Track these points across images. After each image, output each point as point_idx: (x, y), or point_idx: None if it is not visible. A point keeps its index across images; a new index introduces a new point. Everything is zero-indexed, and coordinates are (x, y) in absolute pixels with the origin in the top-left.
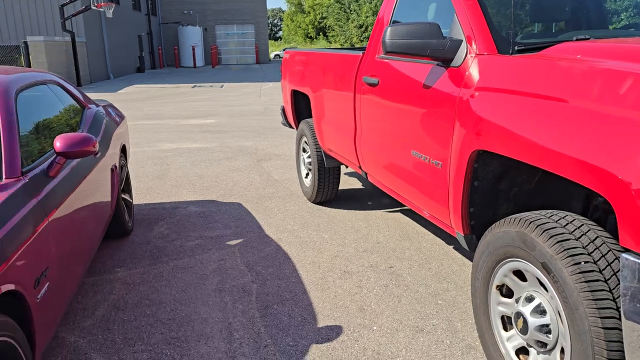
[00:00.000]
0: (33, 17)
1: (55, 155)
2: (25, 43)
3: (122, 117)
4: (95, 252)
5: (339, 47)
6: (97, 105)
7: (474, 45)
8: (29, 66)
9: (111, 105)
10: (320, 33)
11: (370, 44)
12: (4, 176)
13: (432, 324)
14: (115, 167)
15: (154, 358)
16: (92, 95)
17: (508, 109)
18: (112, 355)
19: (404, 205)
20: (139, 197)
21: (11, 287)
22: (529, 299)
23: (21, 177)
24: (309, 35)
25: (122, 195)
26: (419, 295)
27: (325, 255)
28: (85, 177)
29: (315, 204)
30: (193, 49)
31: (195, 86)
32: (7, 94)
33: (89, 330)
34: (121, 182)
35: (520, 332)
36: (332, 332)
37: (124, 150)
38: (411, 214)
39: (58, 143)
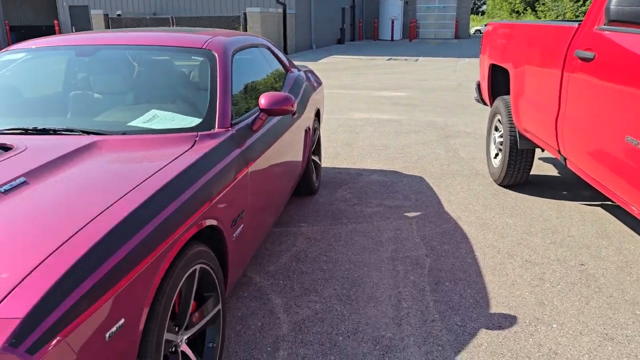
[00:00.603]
0: None
1: (259, 111)
2: (245, 14)
3: (319, 83)
4: (284, 205)
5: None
6: (299, 70)
7: None
8: None
9: (311, 71)
10: (529, 7)
11: (589, 15)
12: (216, 126)
13: (625, 334)
14: (309, 129)
15: (326, 310)
16: (296, 63)
17: None
18: (290, 300)
19: (607, 199)
20: (326, 161)
21: (213, 222)
22: None
23: (230, 128)
24: (516, 9)
25: (312, 157)
26: (612, 301)
27: (507, 240)
28: (282, 134)
29: (502, 186)
30: (392, 22)
31: (390, 59)
32: (225, 54)
33: (272, 275)
34: (313, 144)
35: None
36: (505, 321)
37: (318, 115)
38: (615, 209)
39: (263, 100)
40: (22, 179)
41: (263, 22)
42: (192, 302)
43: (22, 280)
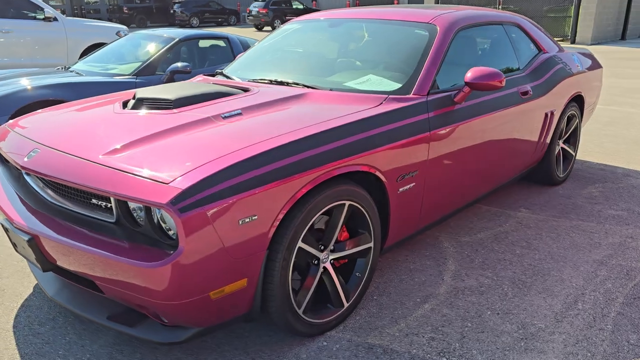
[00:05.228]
0: None
1: (464, 84)
2: None
3: (592, 67)
4: (494, 185)
5: None
6: (561, 51)
7: None
8: (577, 16)
9: (587, 55)
10: None
11: None
12: (412, 92)
13: None
14: (552, 113)
15: (491, 286)
16: (628, 50)
17: None
18: (463, 269)
19: None
20: (597, 155)
21: (369, 169)
22: None
23: (425, 96)
24: None
25: (562, 145)
26: None
27: None
28: (497, 111)
29: None
30: None
31: None
32: (448, 30)
33: (461, 245)
34: (561, 131)
35: None
36: None
37: (578, 101)
38: None
39: (469, 74)
40: (239, 111)
41: (600, 1)
42: (338, 229)
43: (195, 168)
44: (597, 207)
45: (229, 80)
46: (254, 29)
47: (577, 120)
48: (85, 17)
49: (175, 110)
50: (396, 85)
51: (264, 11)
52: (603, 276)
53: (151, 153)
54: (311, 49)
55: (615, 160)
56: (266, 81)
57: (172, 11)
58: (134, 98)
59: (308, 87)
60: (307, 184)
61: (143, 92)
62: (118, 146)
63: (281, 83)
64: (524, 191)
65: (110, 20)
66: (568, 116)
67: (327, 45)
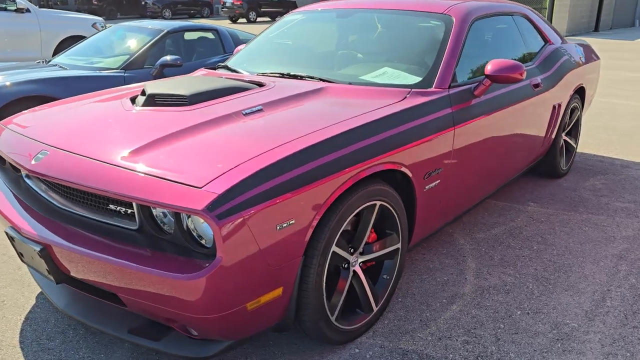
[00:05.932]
0: None
1: (484, 77)
2: None
3: (592, 59)
4: (507, 179)
5: None
6: (564, 43)
7: None
8: (552, 8)
9: (586, 46)
10: None
11: None
12: (433, 86)
13: None
14: (559, 105)
15: (516, 285)
16: (601, 41)
17: None
18: (484, 267)
19: None
20: (592, 147)
21: (399, 167)
22: None
23: (447, 90)
24: None
25: (564, 138)
26: None
27: None
28: (514, 104)
29: None
30: None
31: None
32: (464, 20)
33: (477, 242)
34: (565, 124)
35: None
36: None
37: (580, 93)
38: None
39: (489, 66)
40: (259, 107)
41: None
42: (369, 231)
43: (228, 170)
44: (603, 200)
45: (236, 73)
46: (228, 21)
47: (579, 112)
48: (52, 9)
49: (191, 107)
50: (416, 79)
51: (238, 2)
52: (625, 271)
53: (175, 154)
54: (319, 40)
55: (610, 152)
56: (277, 75)
57: (143, 2)
58: (142, 94)
59: (324, 80)
60: (343, 184)
61: (154, 88)
62: (138, 147)
63: (294, 77)
64: (529, 184)
65: (78, 11)
66: (571, 108)
67: (336, 36)
